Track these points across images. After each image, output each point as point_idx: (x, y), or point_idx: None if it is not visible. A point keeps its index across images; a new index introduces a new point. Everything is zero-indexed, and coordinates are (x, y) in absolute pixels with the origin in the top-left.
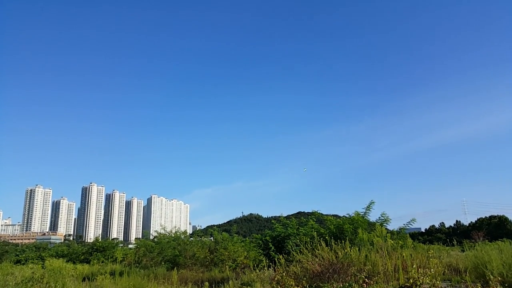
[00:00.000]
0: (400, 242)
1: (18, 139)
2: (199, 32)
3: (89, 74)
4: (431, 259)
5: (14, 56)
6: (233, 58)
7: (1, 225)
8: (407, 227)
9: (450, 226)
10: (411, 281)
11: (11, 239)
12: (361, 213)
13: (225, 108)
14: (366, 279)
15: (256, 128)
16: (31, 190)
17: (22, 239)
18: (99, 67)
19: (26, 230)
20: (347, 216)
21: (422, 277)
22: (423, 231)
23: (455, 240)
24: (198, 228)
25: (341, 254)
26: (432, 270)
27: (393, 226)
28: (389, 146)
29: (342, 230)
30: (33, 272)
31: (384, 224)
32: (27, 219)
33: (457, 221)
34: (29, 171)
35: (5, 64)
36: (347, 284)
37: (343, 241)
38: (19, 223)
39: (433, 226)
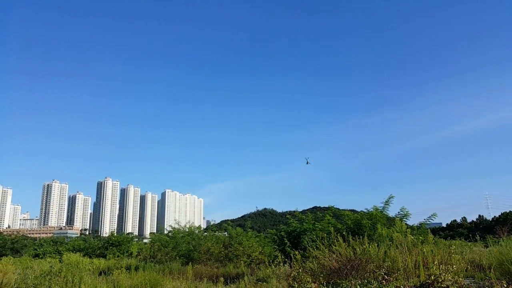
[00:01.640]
0: (420, 237)
1: (35, 136)
2: (217, 26)
3: (102, 65)
4: (453, 255)
5: (27, 57)
6: (249, 52)
7: (20, 219)
8: (428, 222)
9: (473, 221)
10: (432, 277)
11: (29, 233)
12: (380, 208)
13: (239, 102)
14: (386, 276)
15: (271, 121)
16: (48, 185)
17: (39, 233)
18: (112, 58)
19: (44, 225)
20: (365, 211)
21: (444, 274)
22: (444, 226)
23: (478, 235)
24: (212, 223)
25: (359, 250)
26: (454, 266)
27: (413, 221)
28: (409, 139)
29: (360, 226)
30: (51, 266)
31: (404, 219)
32: (45, 213)
33: (479, 215)
34: (46, 166)
35: (21, 65)
36: (366, 281)
37: (361, 237)
38: (37, 218)
39: (454, 221)
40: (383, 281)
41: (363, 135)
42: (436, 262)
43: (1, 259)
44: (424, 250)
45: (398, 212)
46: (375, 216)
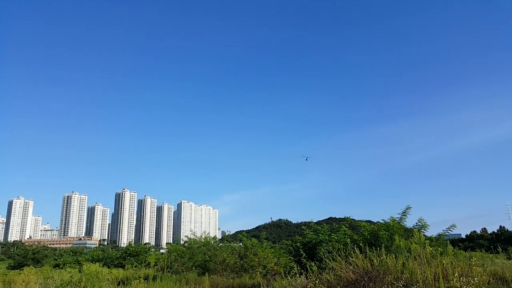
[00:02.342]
0: (439, 249)
1: (55, 150)
2: (231, 37)
3: (119, 76)
4: (474, 267)
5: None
6: (261, 64)
7: (41, 230)
8: (447, 233)
9: (493, 232)
10: None
11: (50, 244)
12: (397, 219)
13: (254, 113)
14: None
15: (284, 131)
16: (68, 196)
17: (60, 244)
18: (129, 70)
19: (64, 235)
20: (381, 222)
21: (465, 286)
22: (464, 237)
23: (499, 247)
24: (227, 233)
25: (377, 261)
26: (476, 279)
27: (431, 232)
28: (425, 148)
29: (377, 237)
30: (71, 276)
31: (422, 230)
32: (64, 224)
33: (500, 226)
34: (66, 178)
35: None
36: None
37: (378, 248)
38: (57, 228)
39: (474, 232)
40: None
41: (377, 145)
42: (456, 274)
43: (23, 269)
44: (444, 261)
45: (416, 223)
46: (393, 227)
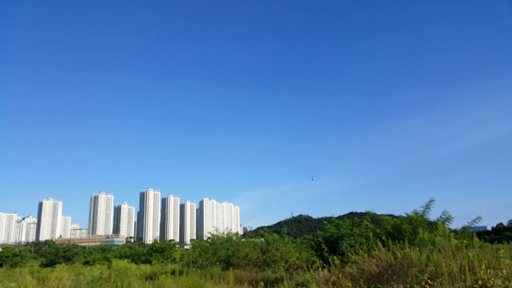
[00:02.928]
0: (465, 241)
1: (81, 150)
2: (254, 43)
3: (137, 77)
4: (502, 260)
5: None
6: (281, 65)
7: (70, 229)
8: (472, 226)
9: None
10: (480, 282)
11: (79, 242)
12: (420, 212)
13: (272, 112)
14: (429, 281)
15: (303, 127)
16: (95, 196)
17: (88, 242)
18: (150, 70)
19: (92, 234)
20: (404, 215)
21: (493, 279)
22: (489, 229)
23: None
24: (248, 229)
25: (400, 254)
26: (504, 271)
27: (456, 225)
28: (449, 140)
29: (400, 230)
30: (101, 272)
31: (446, 223)
32: (92, 223)
33: None
34: (92, 179)
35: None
36: (408, 286)
37: (401, 242)
38: (86, 227)
39: (500, 224)
40: (427, 285)
41: (398, 139)
42: (483, 267)
43: (55, 267)
44: (470, 254)
45: (440, 216)
46: (416, 220)
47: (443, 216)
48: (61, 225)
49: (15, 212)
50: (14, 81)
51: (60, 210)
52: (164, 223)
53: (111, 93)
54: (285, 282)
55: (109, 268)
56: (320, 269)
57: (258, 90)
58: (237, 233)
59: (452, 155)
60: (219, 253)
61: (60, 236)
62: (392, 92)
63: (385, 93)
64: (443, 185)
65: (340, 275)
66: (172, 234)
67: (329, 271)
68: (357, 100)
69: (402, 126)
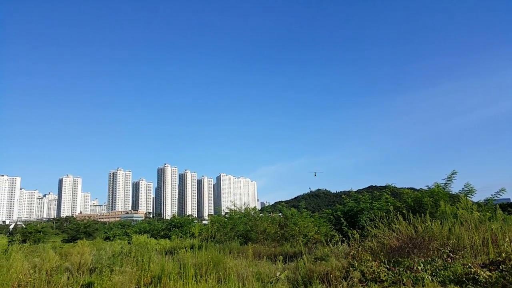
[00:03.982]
0: (488, 214)
1: (99, 128)
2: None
3: (158, 52)
4: None
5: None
6: (297, 37)
7: (90, 206)
8: (495, 198)
9: None
10: (503, 255)
11: (99, 218)
12: (442, 185)
13: (289, 87)
14: (451, 254)
15: (321, 99)
16: (113, 173)
17: (108, 218)
18: (167, 45)
19: (111, 210)
20: (425, 188)
21: None
22: None
23: None
24: (266, 204)
25: (421, 228)
26: None
27: (478, 197)
28: (471, 110)
29: (421, 203)
30: (121, 247)
31: (469, 196)
32: (112, 199)
33: None
34: (110, 156)
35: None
36: (430, 259)
37: (422, 215)
38: (105, 204)
39: None
40: (448, 258)
41: (419, 110)
42: (507, 239)
43: (76, 242)
44: (493, 226)
45: (462, 189)
46: (437, 193)
47: (466, 189)
48: (81, 201)
49: (36, 189)
50: (35, 59)
51: (79, 187)
52: (182, 199)
53: (129, 69)
54: (304, 256)
55: (129, 243)
56: (339, 243)
57: (274, 63)
58: (254, 208)
59: (476, 125)
60: (237, 227)
61: (81, 212)
62: (411, 59)
63: (405, 61)
64: (466, 157)
65: (359, 249)
66: (190, 209)
67: (349, 245)
68: (375, 68)
69: (424, 96)
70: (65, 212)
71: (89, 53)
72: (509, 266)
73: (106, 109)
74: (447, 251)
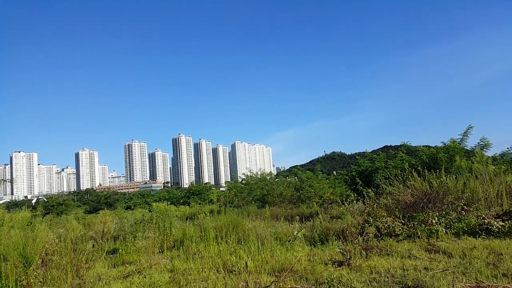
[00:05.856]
0: (503, 167)
1: (114, 100)
2: None
3: (171, 25)
4: None
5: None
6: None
7: (109, 177)
8: (511, 152)
9: None
10: None
11: (119, 189)
12: (457, 140)
13: (304, 50)
14: (465, 206)
15: (335, 60)
16: (128, 145)
17: (127, 189)
18: (180, 17)
19: (130, 181)
20: (441, 145)
21: None
22: None
23: None
24: (281, 169)
25: (436, 183)
26: None
27: (494, 151)
28: (489, 64)
29: (436, 160)
30: (143, 215)
31: (485, 150)
32: (129, 171)
33: None
34: (123, 128)
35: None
36: (444, 213)
37: (437, 171)
38: (123, 175)
39: None
40: (463, 211)
41: (436, 66)
42: None
43: (98, 213)
44: (507, 179)
45: (478, 143)
46: (453, 148)
47: (481, 143)
48: (99, 174)
49: (54, 164)
50: (49, 30)
51: (96, 159)
52: (199, 167)
53: (142, 42)
54: (320, 216)
55: (150, 211)
56: (355, 202)
57: (284, 26)
58: (270, 173)
59: (492, 81)
60: (254, 192)
61: (100, 185)
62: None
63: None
64: (484, 113)
65: (374, 206)
66: (207, 177)
67: (364, 204)
68: (392, 27)
69: (439, 52)
70: (85, 185)
71: (103, 24)
72: None
73: (116, 81)
74: (462, 204)
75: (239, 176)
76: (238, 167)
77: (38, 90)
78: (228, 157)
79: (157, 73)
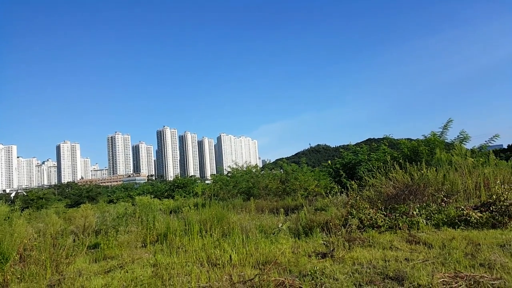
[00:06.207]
0: (481, 159)
1: (97, 93)
2: None
3: (160, 15)
4: None
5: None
6: None
7: (91, 171)
8: (489, 144)
9: None
10: (494, 197)
11: (101, 183)
12: (438, 133)
13: (290, 37)
14: (445, 198)
15: (321, 54)
16: (111, 137)
17: (110, 182)
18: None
19: (113, 174)
20: (422, 138)
21: (506, 193)
22: (506, 147)
23: None
24: (267, 162)
25: (417, 175)
26: None
27: (473, 144)
28: (470, 59)
29: (417, 152)
30: (125, 208)
31: (464, 143)
32: (112, 163)
33: None
34: (106, 121)
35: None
36: (425, 204)
37: (418, 163)
38: (106, 168)
39: None
40: (442, 203)
41: (418, 60)
42: (498, 182)
43: (80, 207)
44: (485, 171)
45: (457, 136)
46: (434, 141)
47: (461, 136)
48: (81, 167)
49: (34, 157)
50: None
51: (78, 152)
52: (184, 160)
53: (128, 31)
54: (305, 208)
55: (133, 204)
56: (339, 194)
57: (274, 18)
58: (256, 166)
59: (472, 75)
60: (240, 185)
61: (82, 178)
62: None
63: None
64: (462, 106)
65: (358, 198)
66: (193, 170)
67: (347, 196)
68: (376, 22)
69: (423, 45)
70: (66, 178)
71: (88, 15)
72: (499, 206)
73: (99, 73)
74: (441, 196)
75: (225, 169)
76: (224, 160)
77: (18, 83)
78: (213, 150)
79: (140, 64)
